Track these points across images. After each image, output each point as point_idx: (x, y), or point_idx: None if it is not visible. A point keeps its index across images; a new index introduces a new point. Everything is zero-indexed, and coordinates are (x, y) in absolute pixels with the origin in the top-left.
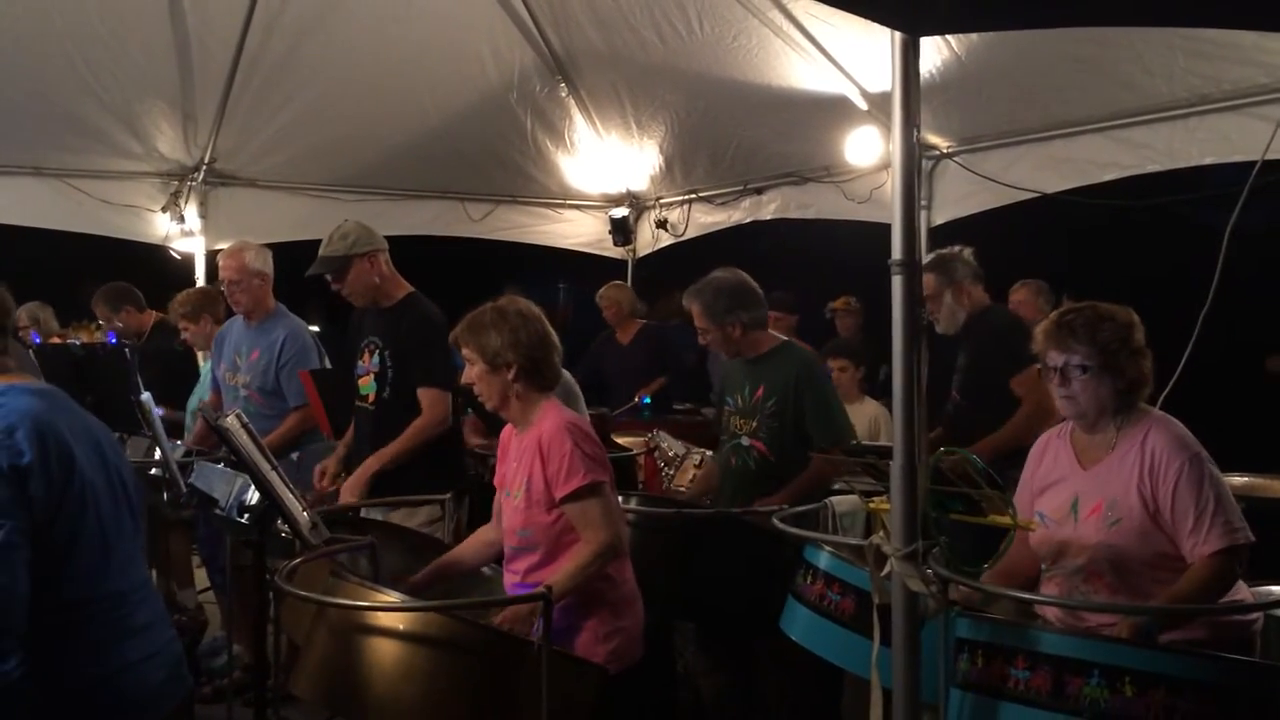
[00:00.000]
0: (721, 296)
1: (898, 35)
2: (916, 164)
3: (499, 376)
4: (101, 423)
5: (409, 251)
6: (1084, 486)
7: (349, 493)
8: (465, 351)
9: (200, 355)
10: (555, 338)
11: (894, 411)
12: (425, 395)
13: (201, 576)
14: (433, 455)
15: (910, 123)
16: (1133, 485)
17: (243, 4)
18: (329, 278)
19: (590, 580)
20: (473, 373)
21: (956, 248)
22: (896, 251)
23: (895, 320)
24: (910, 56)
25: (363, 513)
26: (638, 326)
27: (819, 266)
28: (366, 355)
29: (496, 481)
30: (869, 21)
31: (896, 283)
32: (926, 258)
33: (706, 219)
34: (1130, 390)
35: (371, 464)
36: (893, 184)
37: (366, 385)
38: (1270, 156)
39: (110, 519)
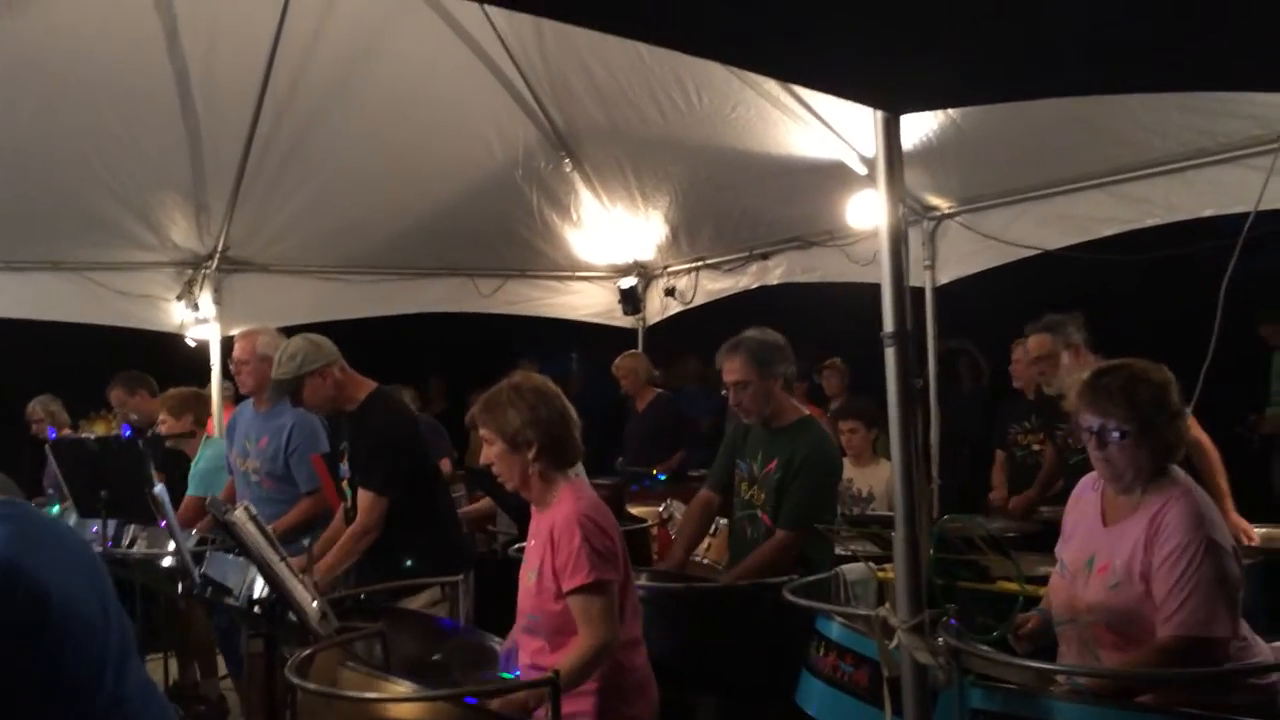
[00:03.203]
0: (766, 348)
1: (879, 113)
2: (904, 233)
3: (519, 456)
4: (67, 524)
5: (422, 329)
6: (1101, 544)
7: None
8: (483, 432)
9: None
10: (574, 413)
11: (895, 482)
12: (361, 498)
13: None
14: (429, 539)
15: (895, 196)
16: (1138, 551)
17: (252, 95)
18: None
19: (586, 678)
20: (491, 453)
21: (1073, 313)
22: (888, 324)
23: (890, 391)
24: (892, 133)
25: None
26: (653, 395)
27: (823, 328)
28: (344, 458)
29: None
30: None
31: (889, 354)
32: (1038, 322)
33: (714, 286)
34: (1165, 452)
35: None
36: (881, 256)
37: (346, 489)
38: (1265, 207)
39: (99, 630)
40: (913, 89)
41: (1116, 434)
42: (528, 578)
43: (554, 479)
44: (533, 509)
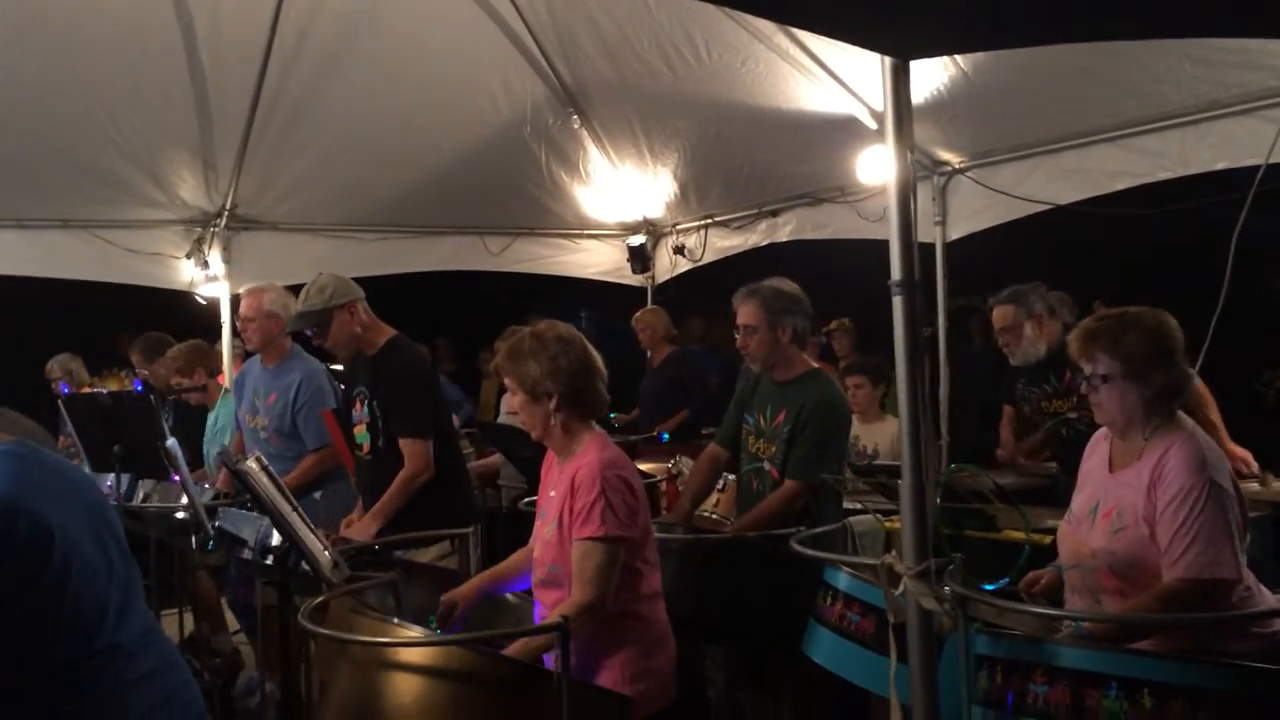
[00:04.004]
0: (781, 297)
1: (888, 60)
2: (912, 182)
3: (540, 406)
4: (76, 467)
5: (431, 287)
6: (1106, 490)
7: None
8: (506, 380)
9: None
10: (599, 363)
11: (901, 430)
12: (405, 446)
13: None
14: (441, 490)
15: (904, 145)
16: (1140, 496)
17: (258, 53)
18: (310, 332)
19: (574, 632)
20: (514, 402)
21: (1034, 283)
22: (896, 273)
23: (897, 340)
24: (901, 80)
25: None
26: (667, 351)
27: (835, 285)
28: (359, 404)
29: (537, 504)
30: None
31: (896, 303)
32: (1003, 292)
33: (723, 243)
34: (1159, 398)
35: (369, 524)
36: (889, 205)
37: (361, 434)
38: (1276, 160)
39: (101, 570)
40: (922, 34)
41: (1102, 379)
42: (546, 530)
43: (577, 430)
44: (553, 460)
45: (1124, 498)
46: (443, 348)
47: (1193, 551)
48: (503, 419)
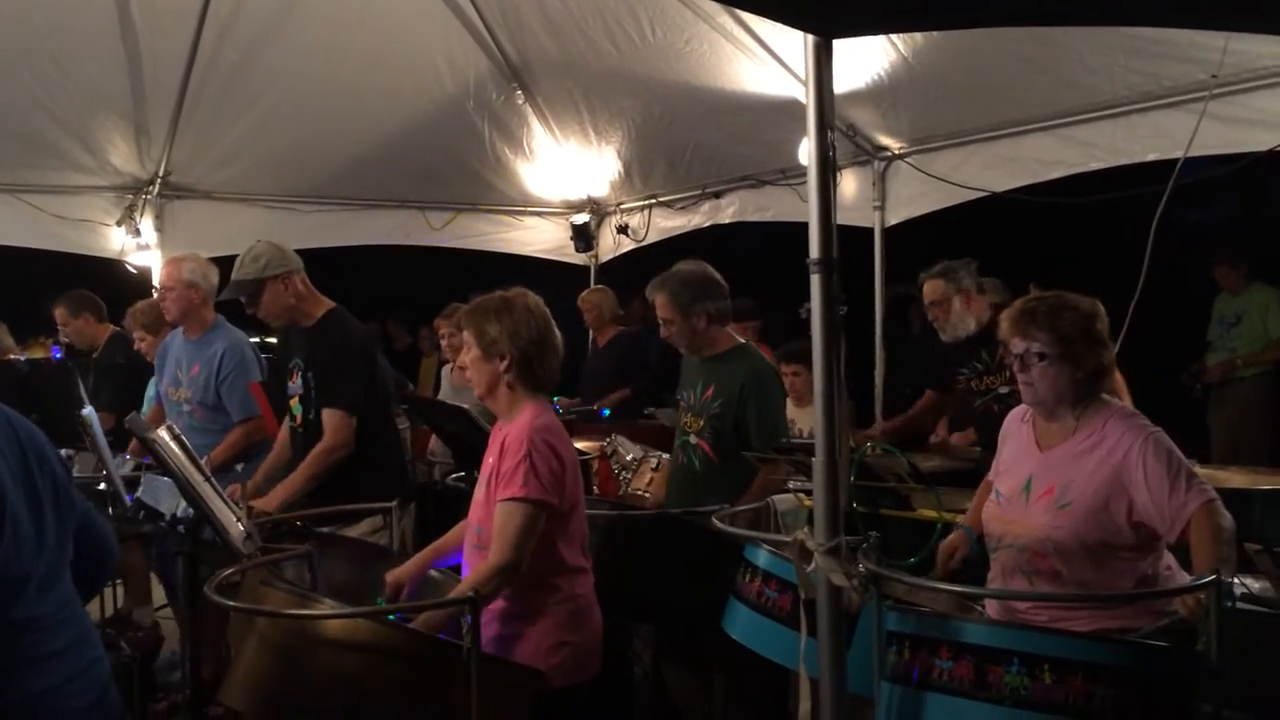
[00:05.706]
0: (688, 288)
1: (810, 38)
2: (832, 160)
3: (491, 364)
4: (34, 430)
5: (370, 261)
6: (1039, 469)
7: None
8: (465, 334)
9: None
10: (558, 341)
11: (815, 408)
12: (328, 417)
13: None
14: (375, 464)
15: (824, 124)
16: (1092, 471)
17: (193, 16)
18: (242, 300)
19: (490, 597)
20: (467, 357)
21: (965, 259)
22: (814, 251)
23: (814, 318)
24: (824, 58)
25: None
26: (614, 332)
27: (784, 266)
28: (294, 376)
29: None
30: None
31: (814, 281)
32: (934, 267)
33: (667, 223)
34: (1090, 380)
35: (277, 496)
36: (809, 182)
37: (295, 406)
38: (1195, 153)
39: (30, 541)
40: (845, 13)
41: (1036, 357)
42: (479, 491)
43: (521, 396)
44: (498, 429)
45: (1067, 474)
46: (394, 326)
47: (1195, 480)
48: (443, 396)
